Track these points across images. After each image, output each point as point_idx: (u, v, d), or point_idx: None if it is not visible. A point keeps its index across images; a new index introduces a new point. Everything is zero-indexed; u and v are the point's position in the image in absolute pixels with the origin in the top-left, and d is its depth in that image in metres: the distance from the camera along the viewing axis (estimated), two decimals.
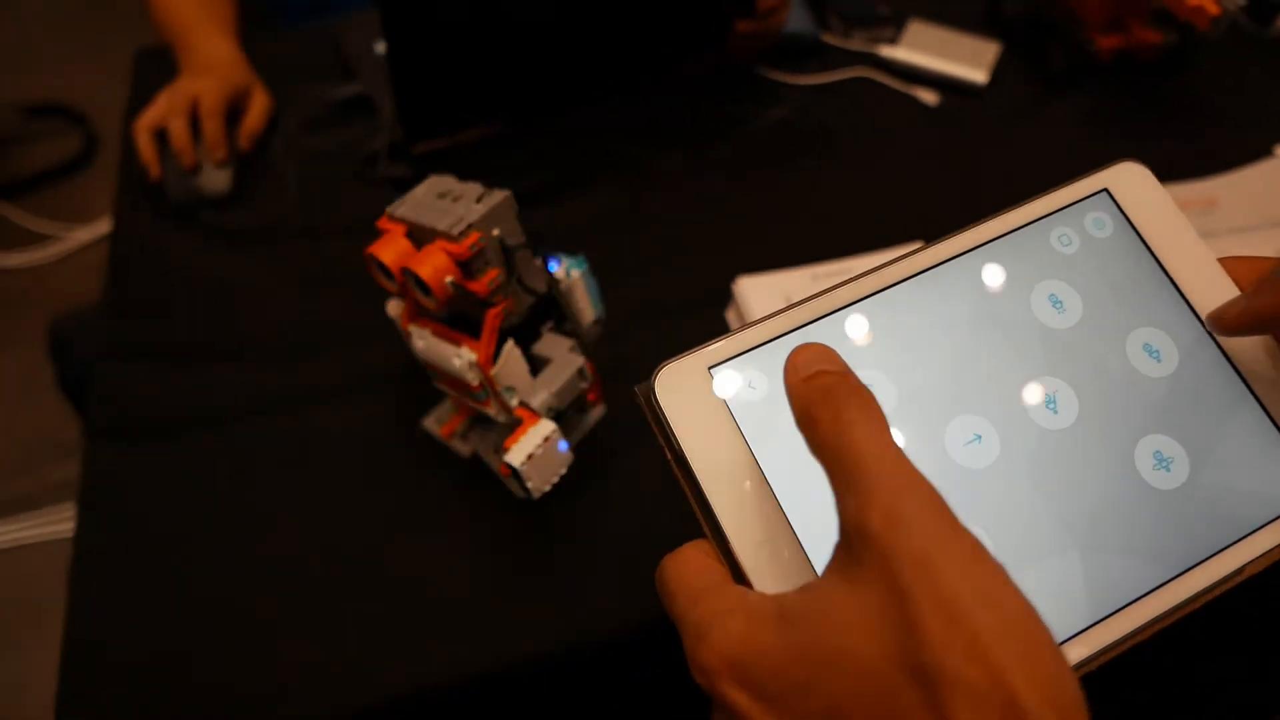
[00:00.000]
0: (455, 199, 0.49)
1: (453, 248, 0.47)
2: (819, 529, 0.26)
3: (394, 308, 0.57)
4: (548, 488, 0.53)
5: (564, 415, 0.57)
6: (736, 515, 0.26)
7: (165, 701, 0.50)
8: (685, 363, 0.28)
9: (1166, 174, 0.55)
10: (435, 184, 0.51)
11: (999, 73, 0.87)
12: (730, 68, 0.87)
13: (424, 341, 0.53)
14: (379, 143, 0.78)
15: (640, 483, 0.58)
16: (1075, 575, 0.26)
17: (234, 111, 0.81)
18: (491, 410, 0.54)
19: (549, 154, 0.79)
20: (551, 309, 0.56)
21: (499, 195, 0.49)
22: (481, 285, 0.49)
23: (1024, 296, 0.30)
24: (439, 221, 0.48)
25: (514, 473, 0.50)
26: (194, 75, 0.81)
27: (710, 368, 0.28)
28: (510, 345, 0.52)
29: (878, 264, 0.30)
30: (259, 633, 0.53)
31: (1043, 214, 0.31)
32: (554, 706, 0.58)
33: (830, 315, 0.29)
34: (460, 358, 0.51)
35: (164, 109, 0.78)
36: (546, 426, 0.51)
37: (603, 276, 0.70)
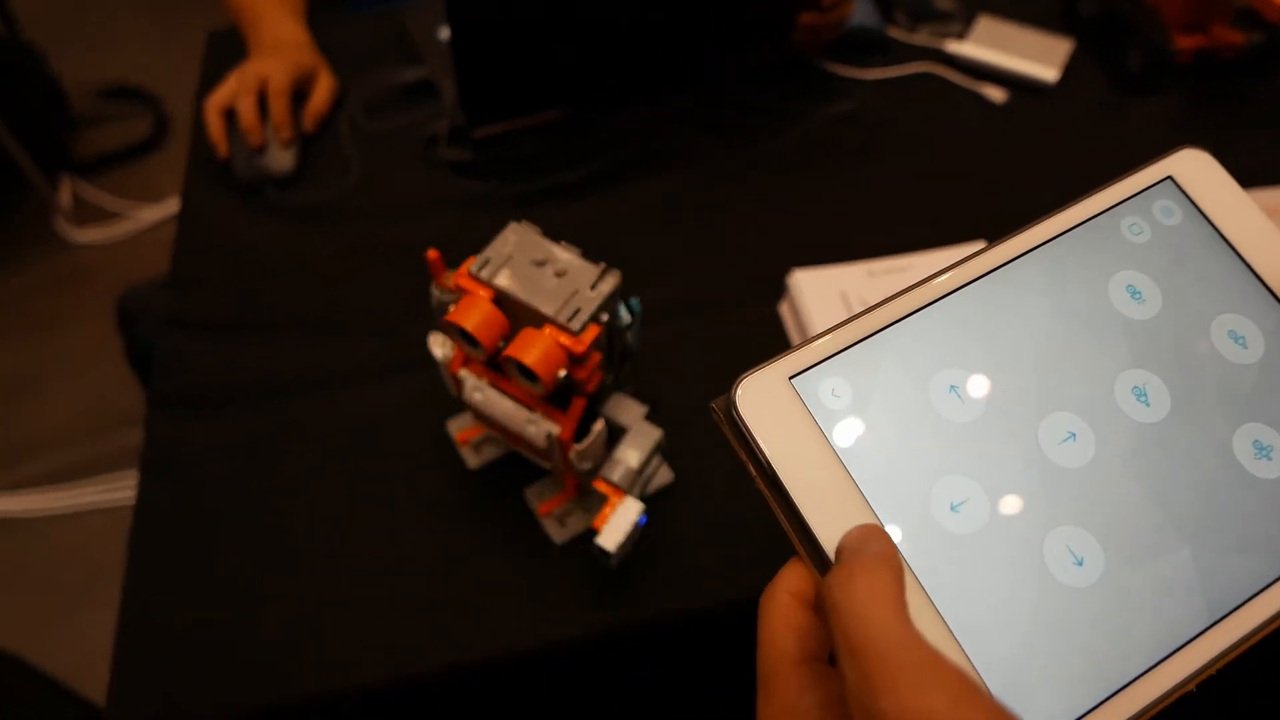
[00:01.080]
0: (560, 274, 0.44)
1: (568, 341, 0.43)
2: (916, 535, 0.26)
3: (439, 347, 0.53)
4: (625, 555, 0.50)
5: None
6: (832, 529, 0.25)
7: (215, 662, 0.52)
8: (765, 374, 0.27)
9: (1249, 180, 0.53)
10: (524, 241, 0.46)
11: (1071, 72, 0.84)
12: (793, 61, 0.86)
13: (481, 395, 0.50)
14: (440, 127, 0.79)
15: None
16: (1190, 573, 0.25)
17: (300, 93, 0.82)
18: (546, 463, 0.51)
19: (606, 143, 0.79)
20: (614, 360, 0.52)
21: (611, 279, 0.44)
22: (587, 372, 0.45)
23: (1102, 288, 0.29)
24: (548, 304, 0.43)
25: (602, 552, 0.48)
26: (263, 57, 0.83)
27: (791, 377, 0.27)
28: (601, 425, 0.48)
29: (948, 262, 0.29)
30: (304, 602, 0.54)
31: (1111, 204, 0.31)
32: (565, 697, 0.58)
33: (909, 317, 0.29)
34: (536, 426, 0.48)
35: (233, 89, 0.80)
36: (634, 508, 0.48)
37: (658, 266, 0.71)
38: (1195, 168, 0.31)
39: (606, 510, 0.49)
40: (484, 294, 0.45)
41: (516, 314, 0.45)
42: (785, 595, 0.25)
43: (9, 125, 1.61)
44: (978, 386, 0.28)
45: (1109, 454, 0.27)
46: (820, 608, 0.24)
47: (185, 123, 2.02)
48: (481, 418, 0.52)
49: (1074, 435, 0.27)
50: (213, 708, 0.50)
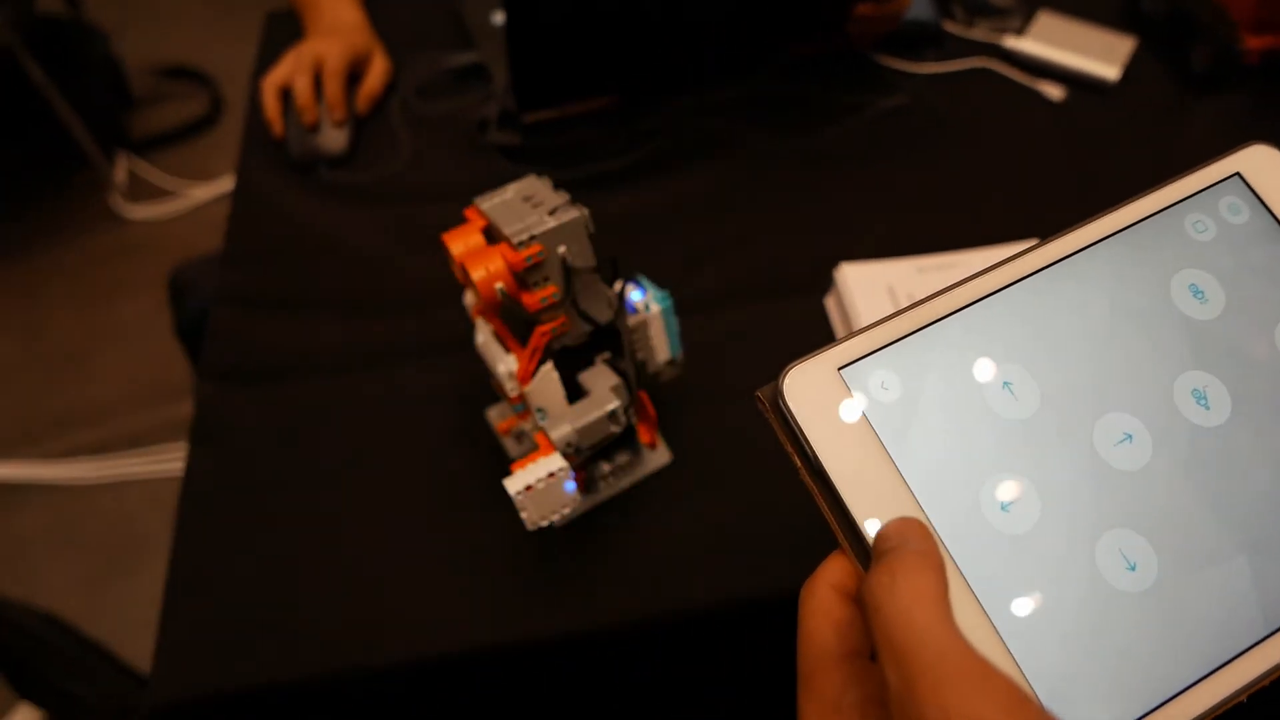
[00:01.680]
0: (535, 205, 0.47)
1: (510, 255, 0.45)
2: (964, 534, 0.25)
3: (470, 296, 0.55)
4: (545, 523, 0.49)
5: (611, 454, 0.55)
6: (877, 520, 0.25)
7: (257, 633, 0.53)
8: (813, 364, 0.27)
9: None
10: (528, 185, 0.50)
11: (1132, 70, 0.82)
12: (846, 53, 0.85)
13: (483, 337, 0.53)
14: (490, 110, 0.79)
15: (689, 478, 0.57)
16: (1246, 582, 0.25)
17: (354, 75, 0.83)
18: (527, 426, 0.52)
19: (655, 131, 0.79)
20: (613, 340, 0.52)
21: (573, 211, 0.46)
22: (533, 299, 0.46)
23: (1163, 287, 0.28)
24: (508, 225, 0.46)
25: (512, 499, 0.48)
26: (319, 37, 0.84)
27: (840, 369, 0.27)
28: (548, 368, 0.49)
29: (1004, 256, 0.29)
30: (344, 576, 0.54)
31: (1175, 200, 0.30)
32: (578, 686, 0.59)
33: (962, 310, 0.28)
34: (505, 364, 0.50)
35: (290, 68, 0.81)
36: (554, 462, 0.48)
37: (703, 255, 0.70)
38: (1264, 165, 0.30)
39: (527, 460, 0.48)
40: (478, 222, 0.48)
41: (495, 241, 0.48)
42: (826, 588, 0.25)
43: (71, 103, 1.65)
44: (1032, 383, 0.27)
45: (1166, 457, 0.26)
46: (862, 603, 0.24)
47: (240, 104, 2.06)
48: (483, 364, 0.53)
49: (1130, 437, 0.26)
50: (254, 677, 0.51)
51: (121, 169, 1.84)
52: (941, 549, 0.25)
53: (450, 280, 0.68)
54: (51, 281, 1.70)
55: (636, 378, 0.54)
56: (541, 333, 0.48)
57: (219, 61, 2.04)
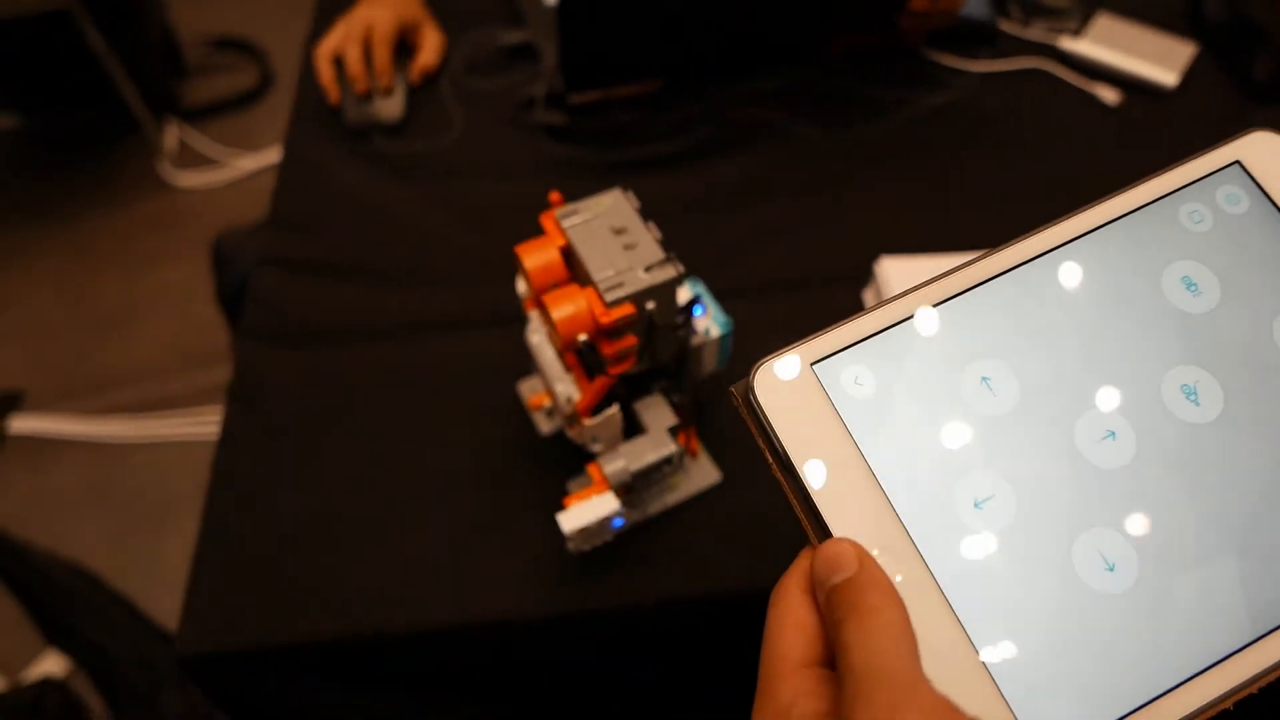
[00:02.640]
0: (629, 246, 0.44)
1: (599, 311, 0.43)
2: (935, 532, 0.25)
3: (523, 287, 0.53)
4: (587, 548, 0.50)
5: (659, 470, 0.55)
6: (847, 521, 0.25)
7: (284, 588, 0.53)
8: (785, 360, 0.26)
9: None
10: (617, 208, 0.46)
11: (1191, 76, 0.81)
12: (896, 47, 0.84)
13: (537, 339, 0.51)
14: (538, 90, 0.79)
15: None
16: (1232, 585, 0.24)
17: (403, 44, 0.84)
18: (571, 431, 0.51)
19: (700, 117, 0.79)
20: (668, 371, 0.51)
21: (669, 270, 0.43)
22: (611, 349, 0.44)
23: (1155, 279, 0.27)
24: (599, 269, 0.43)
25: (564, 535, 0.48)
26: (370, 4, 0.84)
27: (812, 364, 0.26)
28: (614, 411, 0.48)
29: (974, 256, 0.28)
30: (373, 541, 0.55)
31: (1170, 189, 0.28)
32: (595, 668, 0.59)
33: (943, 304, 0.27)
34: (564, 384, 0.48)
35: (341, 36, 0.82)
36: (609, 504, 0.48)
37: (743, 244, 0.70)
38: (1267, 152, 0.29)
39: (584, 494, 0.48)
40: (558, 240, 0.46)
41: (576, 269, 0.46)
42: (797, 591, 0.25)
43: (125, 69, 1.68)
44: (1012, 378, 0.26)
45: (1151, 455, 0.25)
46: (822, 603, 0.24)
47: (287, 77, 2.08)
48: (533, 362, 0.53)
49: (1114, 434, 0.26)
50: (279, 636, 0.52)
51: (172, 136, 1.87)
52: (910, 547, 0.24)
53: (491, 256, 0.68)
54: (99, 244, 1.73)
55: (692, 407, 0.53)
56: (607, 382, 0.47)
57: (269, 34, 2.06)
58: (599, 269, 0.43)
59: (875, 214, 0.72)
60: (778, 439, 0.26)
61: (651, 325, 0.45)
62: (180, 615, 0.52)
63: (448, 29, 0.87)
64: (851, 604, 0.23)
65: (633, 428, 0.51)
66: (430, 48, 0.84)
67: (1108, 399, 0.26)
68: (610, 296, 0.43)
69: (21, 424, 1.46)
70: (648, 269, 0.44)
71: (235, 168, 1.82)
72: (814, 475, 0.25)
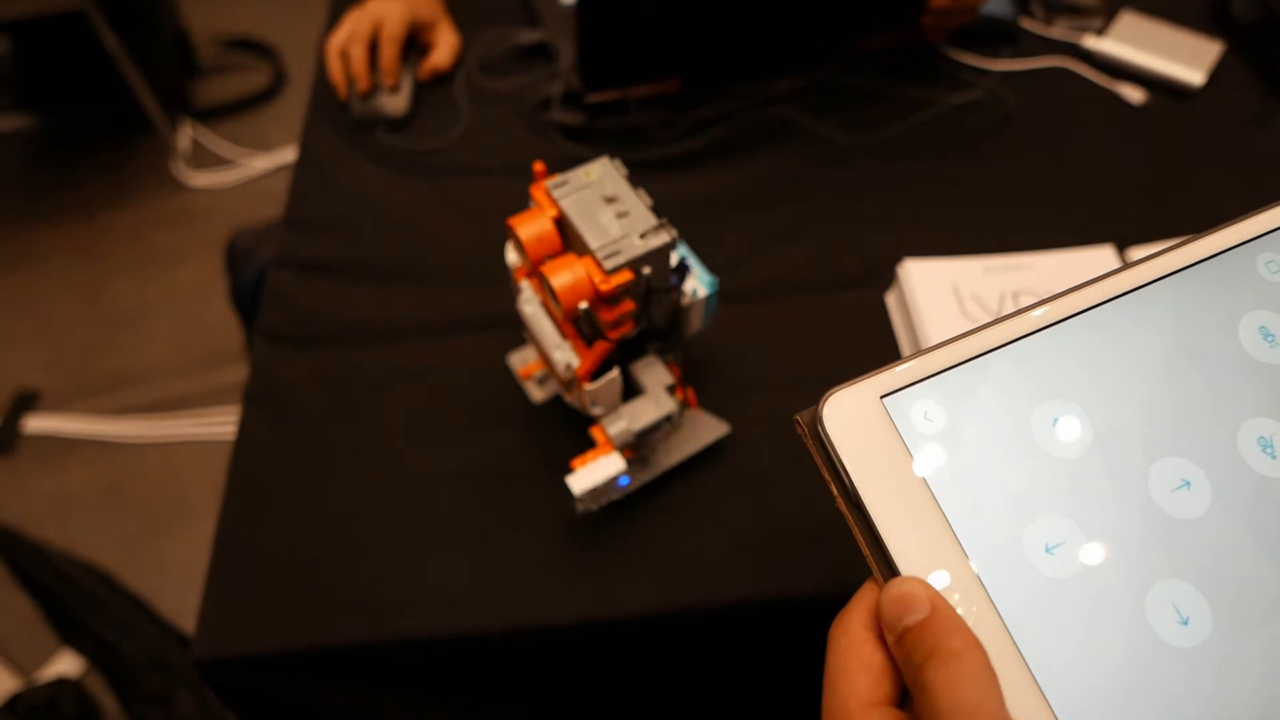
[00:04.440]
0: (621, 214, 0.45)
1: (598, 278, 0.44)
2: (1004, 574, 0.24)
3: (513, 256, 0.54)
4: (595, 508, 0.52)
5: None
6: (915, 559, 0.24)
7: (300, 591, 0.53)
8: (855, 391, 0.26)
9: None
10: (606, 176, 0.47)
11: (1219, 76, 0.79)
12: (917, 46, 0.83)
13: (531, 308, 0.51)
14: (554, 89, 0.78)
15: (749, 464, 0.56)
16: None
17: (413, 41, 0.84)
18: (569, 398, 0.52)
19: (718, 118, 0.78)
20: (663, 331, 0.51)
21: (663, 236, 0.45)
22: (610, 314, 0.45)
23: (1231, 328, 0.27)
24: (595, 238, 0.44)
25: (571, 495, 0.50)
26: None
27: (883, 397, 0.26)
28: (614, 376, 0.49)
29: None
30: (388, 545, 0.55)
31: (1247, 238, 0.28)
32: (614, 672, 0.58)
33: (1016, 342, 0.27)
34: (561, 352, 0.49)
35: (349, 31, 0.81)
36: (615, 464, 0.49)
37: (762, 244, 0.69)
38: None
39: (590, 455, 0.50)
40: (550, 211, 0.47)
41: (570, 238, 0.47)
42: (860, 629, 0.25)
43: (139, 68, 1.68)
44: (1085, 422, 0.26)
45: (1226, 506, 0.25)
46: (893, 644, 0.24)
47: (300, 78, 2.08)
48: (528, 333, 0.53)
49: (1188, 483, 0.25)
50: (295, 640, 0.51)
51: (185, 136, 1.88)
52: (978, 588, 0.24)
53: (502, 254, 0.67)
54: (113, 243, 1.73)
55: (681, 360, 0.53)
56: (607, 347, 0.47)
57: (282, 34, 2.06)
58: (596, 238, 0.44)
59: (897, 214, 0.71)
60: (845, 472, 0.25)
61: (649, 289, 0.46)
62: (197, 619, 0.52)
63: (462, 27, 0.86)
64: (932, 647, 0.22)
65: (629, 390, 0.52)
66: (444, 48, 0.83)
67: (1182, 447, 0.26)
68: (609, 264, 0.43)
69: (36, 424, 1.46)
70: (642, 235, 0.45)
71: (248, 167, 1.82)
72: (881, 510, 0.25)
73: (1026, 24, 0.85)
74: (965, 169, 0.74)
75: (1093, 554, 0.24)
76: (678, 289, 0.49)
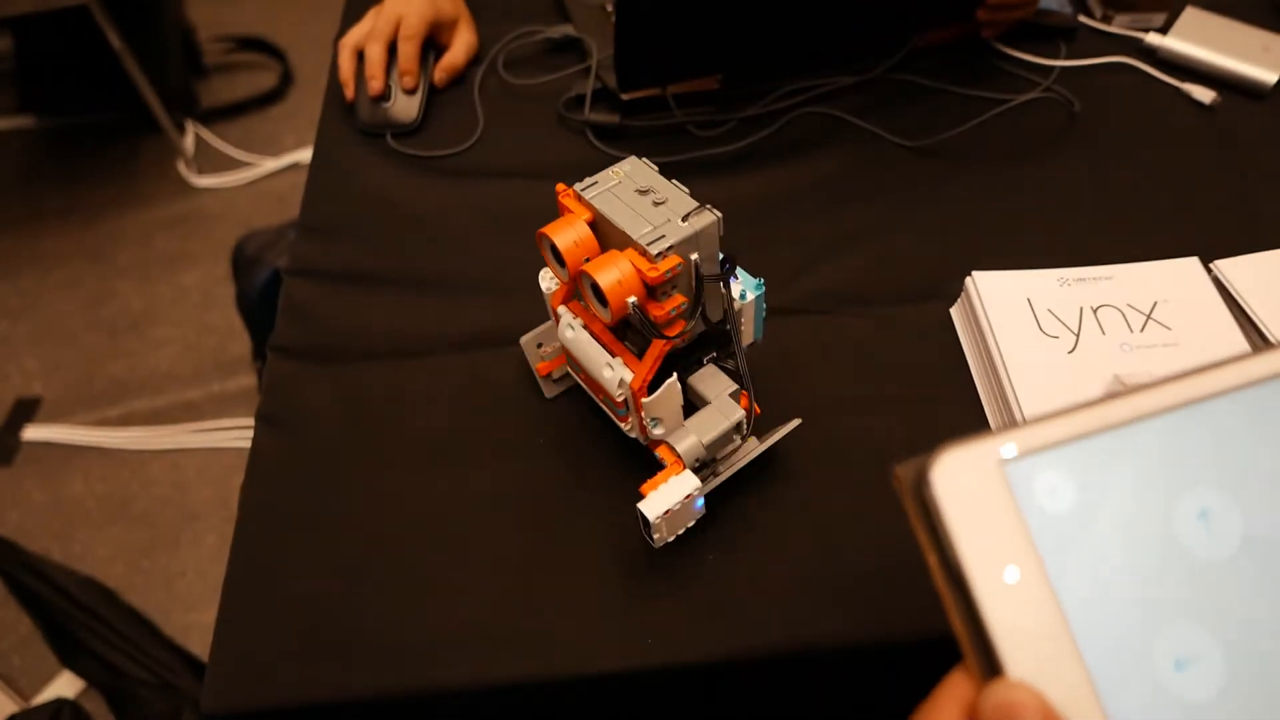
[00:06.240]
0: (658, 204, 0.43)
1: (645, 267, 0.41)
2: (1125, 689, 0.21)
3: (546, 280, 0.52)
4: (672, 539, 0.47)
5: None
6: (1023, 658, 0.20)
7: (316, 638, 0.48)
8: (973, 452, 0.22)
9: None
10: (636, 172, 0.45)
11: None
12: (970, 43, 0.78)
13: (574, 333, 0.48)
14: (584, 87, 0.74)
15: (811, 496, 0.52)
16: None
17: (433, 41, 0.79)
18: (626, 426, 0.48)
19: (762, 117, 0.73)
20: (717, 338, 0.49)
21: (708, 217, 0.42)
22: (663, 311, 0.42)
23: None
24: (636, 228, 0.42)
25: (644, 521, 0.45)
26: None
27: (1004, 462, 0.22)
28: (673, 382, 0.45)
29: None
30: (403, 577, 0.50)
31: None
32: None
33: (1160, 415, 0.23)
34: (612, 369, 0.45)
35: (367, 29, 0.77)
36: (689, 482, 0.45)
37: (812, 253, 0.64)
38: None
39: (661, 476, 0.46)
40: (583, 215, 0.44)
41: (608, 239, 0.44)
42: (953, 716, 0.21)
43: (144, 69, 1.64)
44: (1236, 518, 0.22)
45: None
46: None
47: (308, 78, 2.04)
48: (570, 359, 0.50)
49: None
50: (311, 692, 0.46)
51: (190, 137, 1.83)
52: (1094, 703, 0.20)
53: (538, 261, 0.63)
54: (117, 246, 1.69)
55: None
56: (664, 346, 0.44)
57: (289, 34, 2.02)
58: (636, 228, 0.42)
59: (957, 222, 0.66)
60: (951, 544, 0.22)
61: (699, 276, 0.43)
62: (207, 668, 0.47)
63: (487, 24, 0.82)
64: None
65: (688, 408, 0.48)
66: (459, 48, 0.79)
67: None
68: (655, 249, 0.41)
69: (36, 433, 1.42)
70: (684, 219, 0.42)
71: (254, 169, 1.78)
72: (988, 596, 0.21)
73: (1086, 20, 0.81)
74: (1029, 173, 0.69)
75: (1232, 676, 0.21)
76: (730, 272, 0.45)
